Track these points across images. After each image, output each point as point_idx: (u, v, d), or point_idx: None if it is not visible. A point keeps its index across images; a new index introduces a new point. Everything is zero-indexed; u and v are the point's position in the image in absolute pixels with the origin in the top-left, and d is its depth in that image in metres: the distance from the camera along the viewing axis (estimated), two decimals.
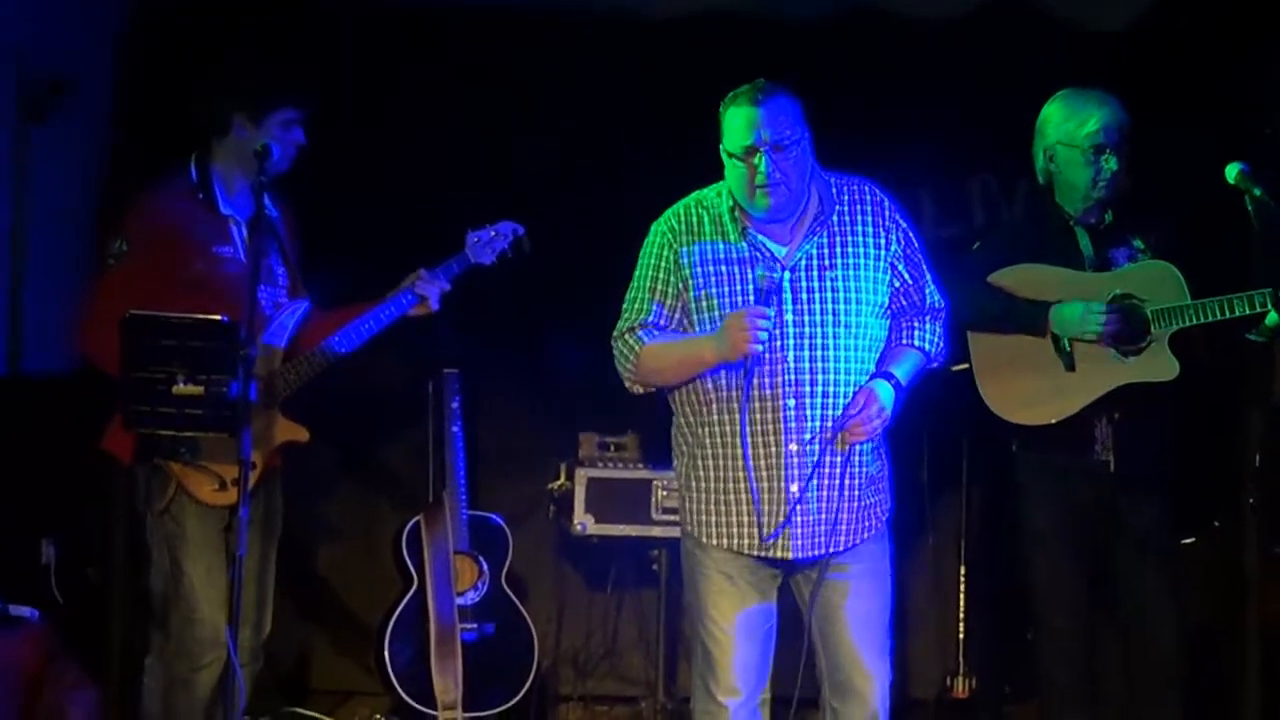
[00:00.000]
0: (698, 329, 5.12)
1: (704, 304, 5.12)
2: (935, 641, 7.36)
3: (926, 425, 6.99)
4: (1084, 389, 6.03)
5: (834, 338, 5.05)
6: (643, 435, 7.18)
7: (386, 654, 6.80)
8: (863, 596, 5.17)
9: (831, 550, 5.08)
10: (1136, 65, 7.14)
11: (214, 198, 5.82)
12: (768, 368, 5.02)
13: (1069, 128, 6.10)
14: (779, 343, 5.03)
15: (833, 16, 7.49)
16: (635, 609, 7.60)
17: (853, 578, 5.15)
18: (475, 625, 6.90)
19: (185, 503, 5.68)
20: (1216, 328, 5.88)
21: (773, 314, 4.98)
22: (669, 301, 5.17)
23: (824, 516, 5.06)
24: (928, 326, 5.26)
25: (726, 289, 5.10)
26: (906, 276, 5.22)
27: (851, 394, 5.05)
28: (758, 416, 5.04)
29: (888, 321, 5.20)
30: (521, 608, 7.03)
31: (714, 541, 5.14)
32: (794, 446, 5.03)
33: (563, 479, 7.21)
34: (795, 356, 5.03)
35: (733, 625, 5.14)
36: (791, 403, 5.02)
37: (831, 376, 5.04)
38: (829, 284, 5.09)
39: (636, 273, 5.25)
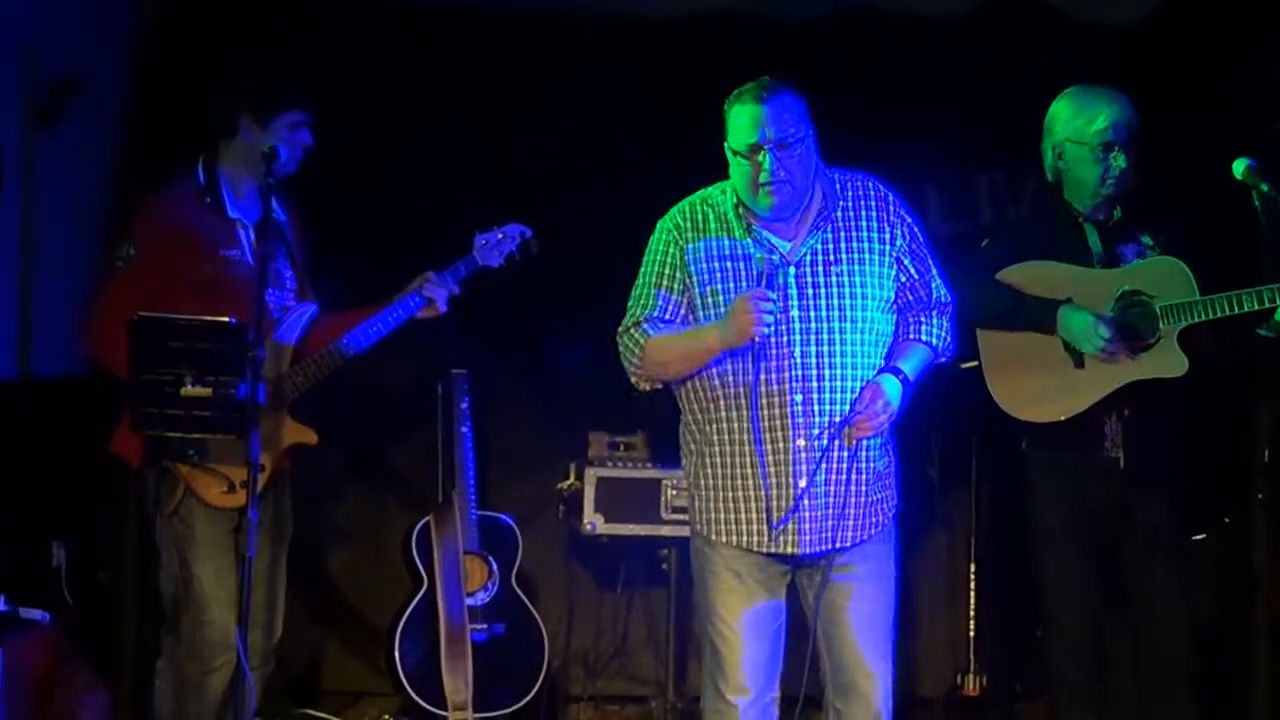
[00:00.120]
0: (703, 325, 5.13)
1: (709, 300, 5.12)
2: (945, 639, 7.36)
3: (936, 423, 7.03)
4: (1093, 386, 6.02)
5: (840, 333, 5.06)
6: (652, 435, 7.19)
7: (397, 654, 6.80)
8: (867, 598, 5.18)
9: (839, 545, 5.09)
10: (1145, 61, 7.13)
11: (221, 200, 5.82)
12: (775, 363, 5.03)
13: (1077, 125, 6.09)
14: (785, 339, 5.04)
15: (837, 15, 7.49)
16: (645, 608, 7.61)
17: (857, 579, 5.16)
18: (485, 625, 6.90)
19: (194, 505, 5.68)
20: (1225, 324, 5.87)
21: (776, 298, 4.99)
22: (674, 297, 5.17)
23: (831, 512, 5.07)
24: (934, 321, 5.26)
25: (732, 284, 5.10)
26: (912, 271, 5.23)
27: (859, 389, 5.05)
28: (765, 413, 5.05)
29: (894, 317, 5.21)
30: (531, 608, 7.04)
31: (722, 539, 5.14)
32: (801, 442, 5.03)
33: (572, 479, 7.22)
34: (802, 352, 5.04)
35: (741, 623, 5.14)
36: (799, 398, 5.03)
37: (838, 372, 5.05)
38: (834, 279, 5.10)
39: (642, 269, 5.26)
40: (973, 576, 7.08)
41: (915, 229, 5.26)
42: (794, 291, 5.07)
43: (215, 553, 5.70)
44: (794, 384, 5.03)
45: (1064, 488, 6.13)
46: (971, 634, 7.08)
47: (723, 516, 5.14)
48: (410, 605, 6.87)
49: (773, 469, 5.06)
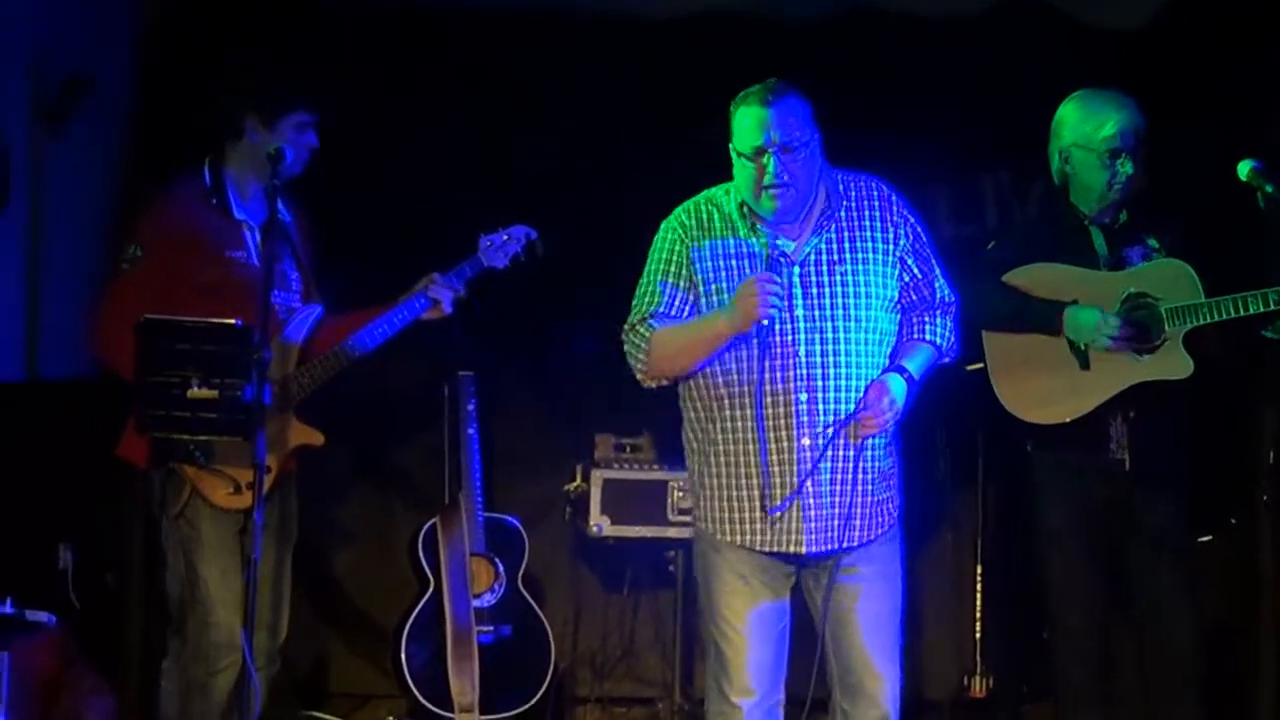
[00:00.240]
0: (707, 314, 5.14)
1: (715, 298, 5.14)
2: (952, 641, 7.35)
3: (942, 424, 7.02)
4: (1099, 388, 6.02)
5: (844, 331, 5.07)
6: (659, 436, 7.19)
7: (403, 656, 6.81)
8: (874, 599, 5.18)
9: (845, 546, 5.09)
10: (1148, 63, 7.14)
11: (227, 202, 5.83)
12: (779, 362, 5.05)
13: (1085, 130, 6.09)
14: (790, 337, 5.05)
15: (839, 15, 7.49)
16: (652, 610, 7.61)
17: (864, 580, 5.16)
18: (492, 627, 6.90)
19: (200, 507, 5.68)
20: (1230, 326, 5.87)
21: (781, 282, 5.00)
22: (680, 293, 5.18)
23: (836, 511, 5.07)
24: (939, 321, 5.27)
25: (738, 283, 5.10)
26: (916, 271, 5.23)
27: (863, 388, 5.06)
28: (769, 411, 5.06)
29: (897, 316, 5.22)
30: (538, 609, 7.04)
31: (726, 539, 5.15)
32: (806, 441, 5.04)
33: (578, 480, 7.21)
34: (807, 351, 5.05)
35: (746, 625, 5.15)
36: (804, 397, 5.04)
37: (843, 370, 5.06)
38: (838, 278, 5.11)
39: (647, 268, 5.27)
40: (979, 578, 7.08)
41: (919, 229, 5.27)
42: (798, 290, 5.08)
43: (221, 554, 5.70)
44: (798, 383, 5.04)
45: (1069, 489, 6.14)
46: (978, 636, 7.08)
47: (727, 515, 5.14)
48: (417, 607, 6.87)
49: (777, 468, 5.06)
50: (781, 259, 5.05)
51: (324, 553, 7.44)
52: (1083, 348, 6.04)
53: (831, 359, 5.06)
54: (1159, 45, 7.27)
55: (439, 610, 6.83)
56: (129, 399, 5.37)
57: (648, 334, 5.16)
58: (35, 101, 6.72)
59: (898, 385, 5.09)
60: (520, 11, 7.44)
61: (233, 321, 5.23)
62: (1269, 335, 5.85)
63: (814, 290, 5.09)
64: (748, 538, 5.12)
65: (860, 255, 5.15)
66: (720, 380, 5.13)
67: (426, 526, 6.94)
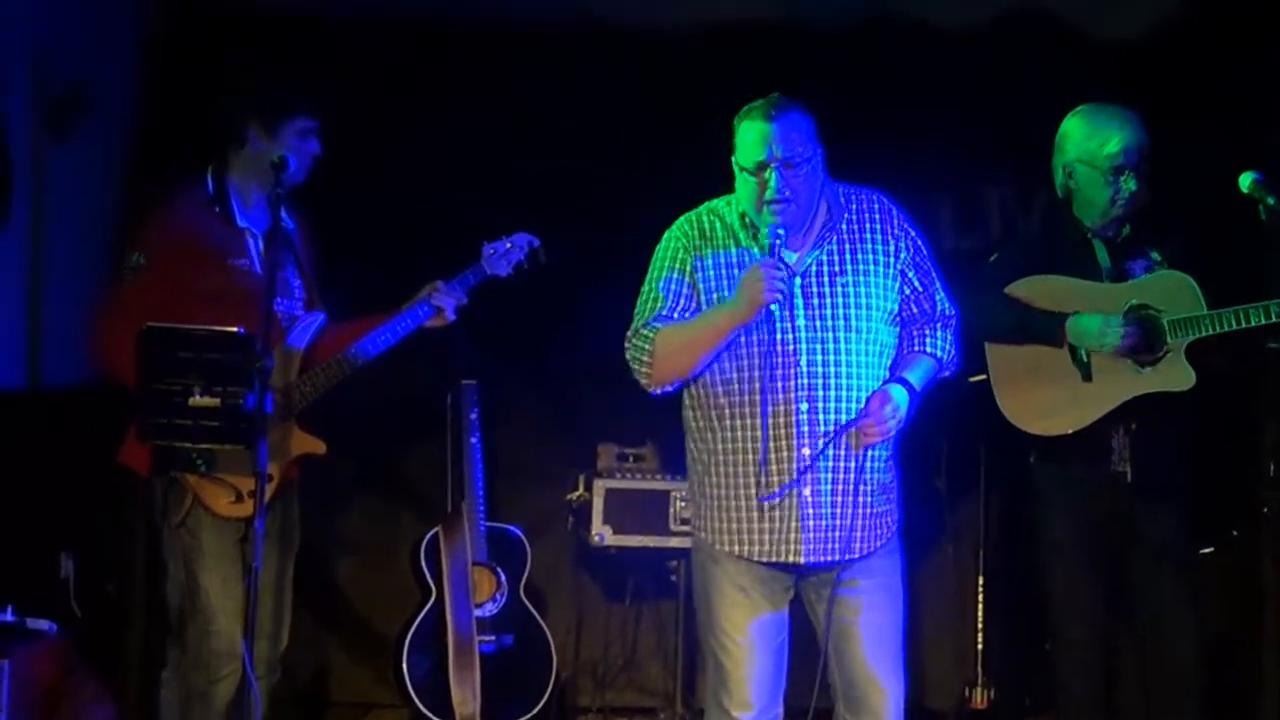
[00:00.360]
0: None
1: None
2: (953, 652, 7.35)
3: (945, 435, 7.02)
4: (1101, 399, 6.02)
5: (845, 342, 5.08)
6: (661, 446, 7.20)
7: (405, 666, 6.81)
8: (876, 612, 5.17)
9: (844, 558, 5.08)
10: (1153, 72, 7.13)
11: (230, 210, 5.83)
12: (780, 372, 5.05)
13: (1090, 147, 6.09)
14: (791, 348, 5.06)
15: (849, 26, 7.50)
16: (654, 620, 7.61)
17: (865, 593, 5.15)
18: (494, 637, 6.90)
19: (201, 515, 5.68)
20: (1232, 338, 5.87)
21: (784, 270, 5.00)
22: (682, 301, 5.18)
23: (836, 521, 5.07)
24: (939, 334, 5.27)
25: None
26: (917, 284, 5.23)
27: (863, 398, 5.06)
28: (770, 421, 5.06)
29: (897, 329, 5.22)
30: (540, 619, 7.04)
31: (725, 548, 5.14)
32: (806, 450, 5.04)
33: (581, 490, 7.22)
34: (808, 361, 5.05)
35: (746, 637, 5.14)
36: (804, 406, 5.04)
37: (844, 381, 5.06)
38: (839, 289, 5.11)
39: (649, 275, 5.27)
40: (981, 589, 7.08)
41: (920, 242, 5.27)
42: (800, 301, 5.08)
43: (222, 563, 5.70)
44: (799, 393, 5.04)
45: (1072, 501, 6.14)
46: (980, 647, 7.08)
47: (726, 525, 5.14)
48: (418, 616, 6.87)
49: (776, 477, 5.06)
50: (779, 242, 5.04)
51: (326, 561, 7.44)
52: (1085, 359, 6.04)
53: (833, 369, 5.06)
54: (1162, 55, 7.26)
55: (441, 620, 6.83)
56: (131, 407, 5.37)
57: (651, 335, 5.15)
58: (38, 109, 6.72)
59: (900, 394, 5.09)
60: (529, 23, 7.44)
61: (235, 330, 5.22)
62: (1274, 346, 5.84)
63: (815, 301, 5.10)
64: (746, 547, 5.11)
65: (861, 267, 5.15)
66: (721, 389, 5.13)
67: (429, 535, 6.94)
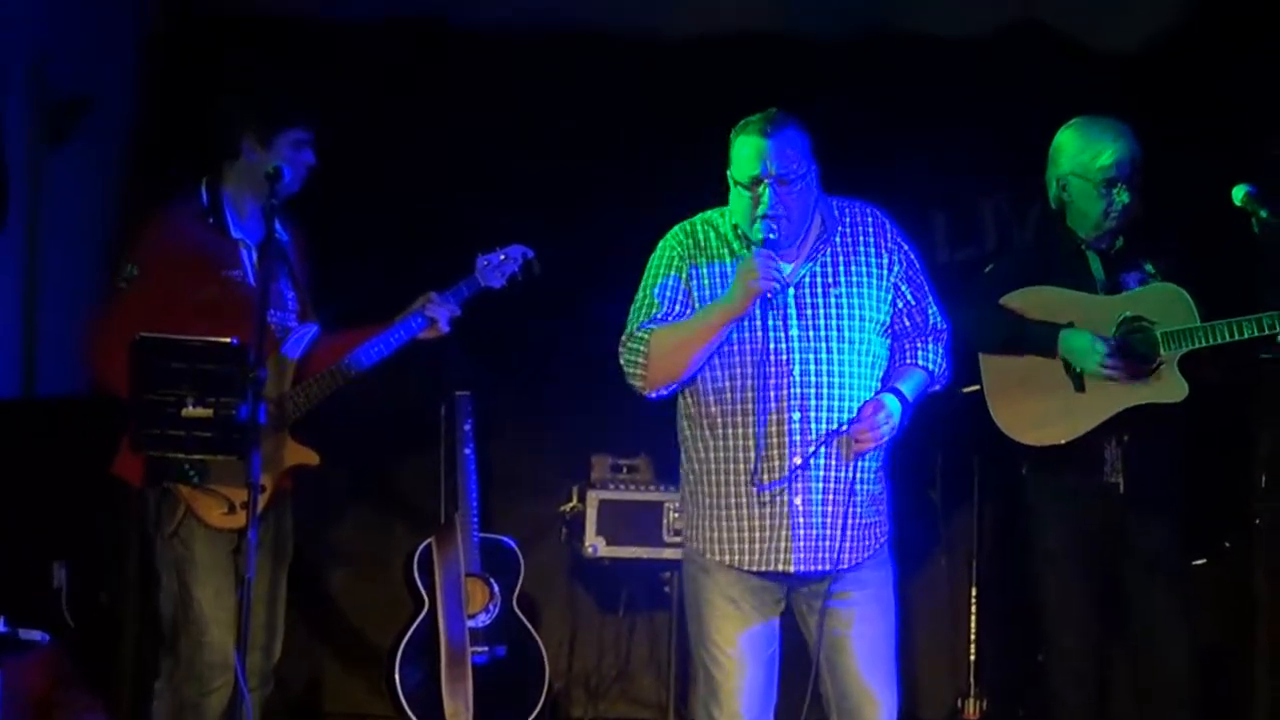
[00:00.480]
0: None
1: None
2: (946, 663, 7.35)
3: (939, 446, 7.02)
4: (1094, 410, 6.02)
5: (838, 353, 5.08)
6: (655, 457, 7.21)
7: (397, 676, 6.81)
8: (868, 623, 5.17)
9: (834, 567, 5.08)
10: (1149, 86, 7.15)
11: (224, 221, 5.83)
12: (773, 381, 5.05)
13: (1083, 160, 6.10)
14: (784, 358, 5.06)
15: (846, 38, 7.51)
16: (647, 631, 7.61)
17: (857, 604, 5.15)
18: (486, 648, 6.91)
19: (194, 526, 5.68)
20: (1225, 349, 5.88)
21: (778, 259, 5.01)
22: (677, 308, 5.17)
23: (826, 531, 5.07)
24: (930, 347, 5.27)
25: None
26: (909, 297, 5.24)
27: (856, 408, 5.06)
28: (763, 430, 5.06)
29: (888, 341, 5.22)
30: (533, 630, 7.05)
31: (716, 558, 5.14)
32: (798, 460, 5.04)
33: (574, 501, 7.22)
34: (801, 371, 5.05)
35: (736, 648, 5.13)
36: (797, 416, 5.04)
37: (836, 391, 5.06)
38: (833, 300, 5.11)
39: (644, 282, 5.26)
40: (974, 600, 7.07)
41: (912, 256, 5.28)
42: (793, 312, 5.09)
43: (215, 574, 5.70)
44: (792, 402, 5.04)
45: (1064, 512, 6.14)
46: (973, 658, 7.06)
47: (718, 535, 5.13)
48: (411, 627, 6.87)
49: (758, 495, 5.06)
50: (773, 236, 5.04)
51: (319, 572, 7.44)
52: (1078, 370, 6.04)
53: (825, 378, 5.06)
54: (1157, 67, 7.28)
55: (434, 631, 6.84)
56: (124, 417, 5.37)
57: (645, 337, 5.15)
58: (36, 114, 6.73)
59: (893, 403, 5.09)
60: (528, 31, 7.45)
61: (228, 340, 5.22)
62: (1265, 358, 5.85)
63: (809, 312, 5.10)
64: (738, 556, 5.11)
65: (854, 279, 5.16)
66: (713, 398, 5.13)
67: (422, 546, 6.94)
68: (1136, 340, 6.00)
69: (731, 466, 5.11)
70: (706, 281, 5.17)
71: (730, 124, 5.17)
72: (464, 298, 6.11)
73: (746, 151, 5.08)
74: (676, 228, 5.29)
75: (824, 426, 5.05)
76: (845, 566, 5.10)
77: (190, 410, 5.18)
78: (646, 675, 7.61)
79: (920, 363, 5.24)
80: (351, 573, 7.58)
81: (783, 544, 5.07)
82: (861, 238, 5.22)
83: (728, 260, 5.16)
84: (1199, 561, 6.62)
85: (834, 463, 5.07)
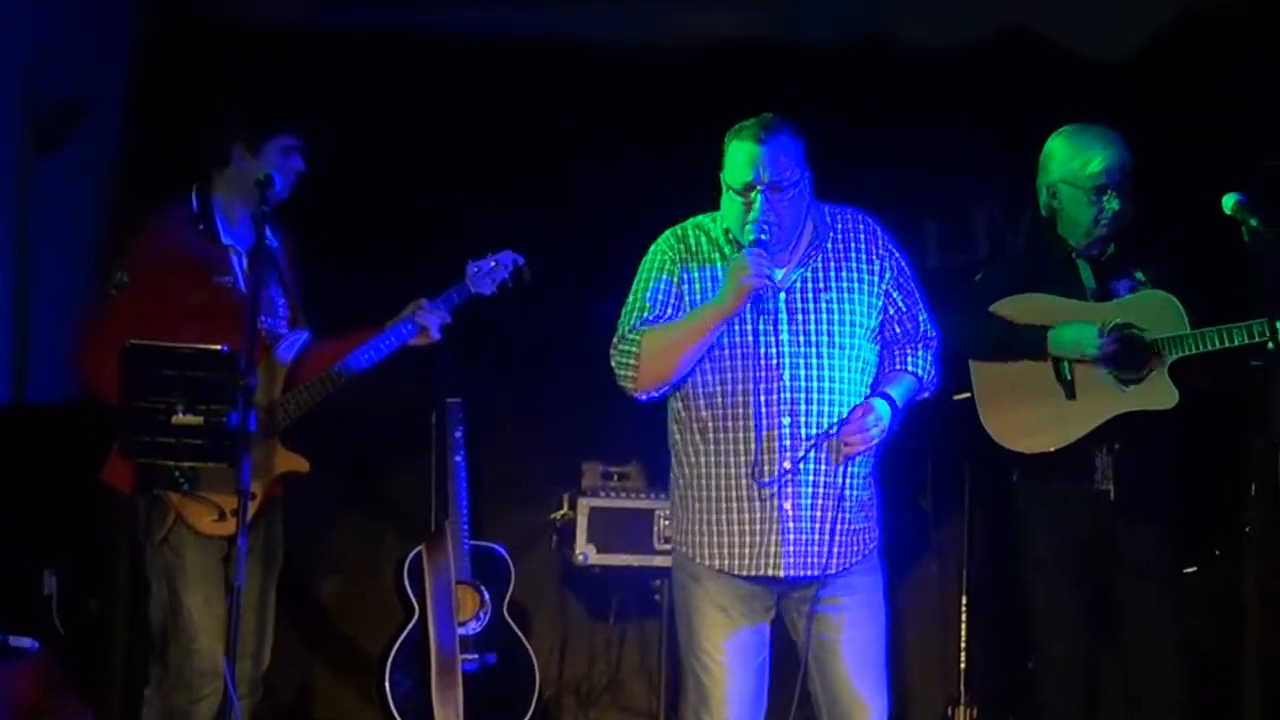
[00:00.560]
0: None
1: None
2: (937, 669, 7.34)
3: (929, 453, 7.02)
4: (1084, 417, 6.03)
5: (829, 357, 5.09)
6: (646, 464, 7.20)
7: (387, 684, 6.80)
8: (859, 629, 5.17)
9: (823, 572, 5.08)
10: (1141, 93, 7.15)
11: (215, 228, 5.84)
12: (764, 385, 5.06)
13: (1073, 167, 6.10)
14: (775, 361, 5.07)
15: (839, 46, 7.51)
16: (638, 638, 7.60)
17: (847, 609, 5.15)
18: (477, 655, 6.90)
19: (184, 533, 5.68)
20: (1216, 356, 5.88)
21: (769, 260, 5.02)
22: (669, 311, 5.18)
23: (815, 536, 5.07)
24: (920, 353, 5.29)
25: None
26: (900, 304, 5.25)
27: (845, 413, 5.07)
28: (753, 435, 5.07)
29: (878, 347, 5.24)
30: (523, 638, 7.04)
31: (706, 563, 5.15)
32: (787, 464, 5.05)
33: (565, 509, 7.22)
34: (791, 375, 5.07)
35: (726, 655, 5.14)
36: (786, 420, 5.05)
37: (826, 395, 5.08)
38: (824, 305, 5.13)
39: (635, 286, 5.27)
40: (964, 607, 7.07)
41: (904, 263, 5.29)
42: (784, 316, 5.10)
43: (205, 582, 5.69)
44: (782, 406, 5.06)
45: (1055, 519, 6.14)
46: (963, 665, 7.06)
47: (709, 540, 5.14)
48: (401, 635, 6.86)
49: (758, 490, 5.07)
50: (765, 237, 5.05)
51: (309, 580, 7.43)
52: (1068, 376, 6.05)
53: (815, 383, 5.07)
54: (1149, 75, 7.27)
55: (424, 638, 6.82)
56: (115, 424, 5.36)
57: (637, 338, 5.15)
58: (27, 124, 6.72)
59: (882, 406, 5.10)
60: (525, 38, 7.44)
61: (219, 347, 5.22)
62: (1256, 365, 5.85)
63: (799, 316, 5.11)
64: (728, 561, 5.12)
65: (845, 284, 5.17)
66: (704, 403, 5.14)
67: (412, 554, 6.93)
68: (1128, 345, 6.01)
69: (721, 471, 5.12)
70: (698, 285, 5.18)
71: (723, 133, 5.18)
72: (454, 304, 6.12)
73: (740, 157, 5.09)
74: (668, 232, 5.30)
75: (814, 431, 5.06)
76: (834, 571, 5.11)
77: (180, 417, 5.19)
78: (637, 683, 7.60)
79: (910, 368, 5.26)
80: (342, 580, 7.57)
81: (773, 548, 5.07)
82: (853, 244, 5.23)
83: (719, 264, 5.17)
84: (1189, 569, 6.61)
85: (823, 467, 5.08)
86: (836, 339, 5.11)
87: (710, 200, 5.27)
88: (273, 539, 5.96)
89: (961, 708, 7.05)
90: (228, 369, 5.21)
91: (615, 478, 7.25)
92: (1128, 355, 6.00)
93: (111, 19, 7.27)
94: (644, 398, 5.22)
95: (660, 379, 5.17)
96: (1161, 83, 7.24)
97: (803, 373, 5.08)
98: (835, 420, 5.06)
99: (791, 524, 5.07)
